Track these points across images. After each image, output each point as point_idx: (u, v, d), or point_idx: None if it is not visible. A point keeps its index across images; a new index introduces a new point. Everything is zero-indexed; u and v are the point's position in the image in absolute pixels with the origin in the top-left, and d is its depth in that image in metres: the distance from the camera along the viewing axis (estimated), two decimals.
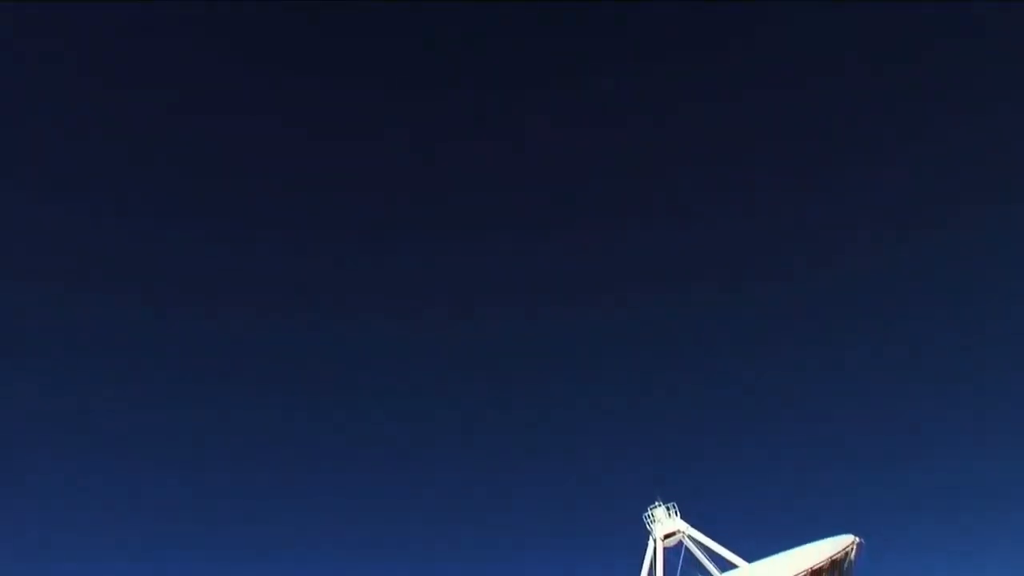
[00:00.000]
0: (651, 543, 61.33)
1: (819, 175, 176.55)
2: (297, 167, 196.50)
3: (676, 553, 60.83)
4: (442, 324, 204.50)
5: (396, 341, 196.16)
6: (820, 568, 52.81)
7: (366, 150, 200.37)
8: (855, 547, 54.59)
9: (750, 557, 60.62)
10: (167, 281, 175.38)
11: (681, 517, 61.83)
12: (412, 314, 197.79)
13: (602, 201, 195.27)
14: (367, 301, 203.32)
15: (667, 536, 61.09)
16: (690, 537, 60.28)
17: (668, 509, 62.43)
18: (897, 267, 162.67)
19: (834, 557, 53.65)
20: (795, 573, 52.16)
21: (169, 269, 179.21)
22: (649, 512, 62.82)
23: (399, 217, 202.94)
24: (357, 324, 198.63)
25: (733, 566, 59.72)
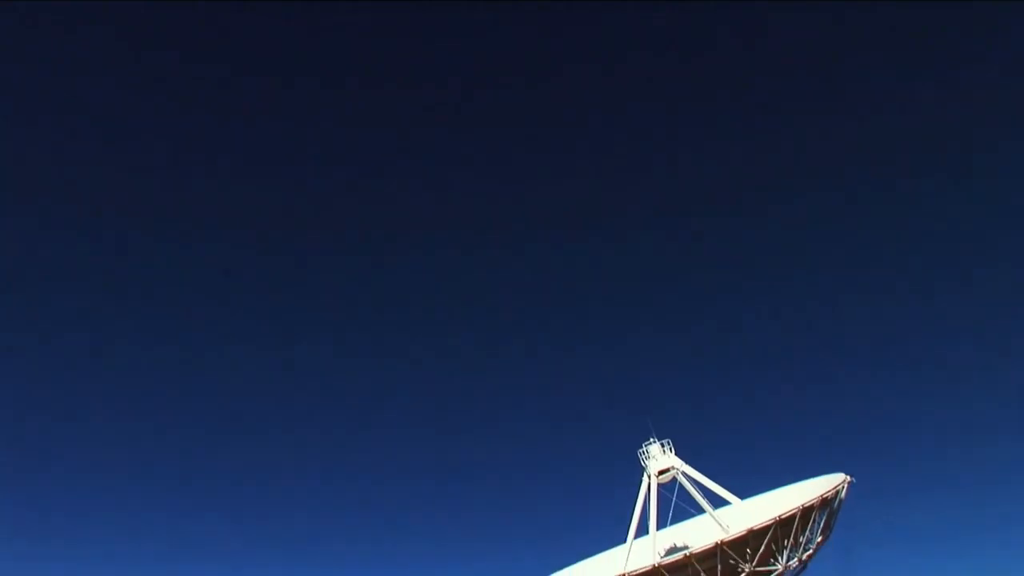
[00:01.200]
0: (645, 479, 62.08)
1: (817, 107, 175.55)
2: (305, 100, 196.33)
3: (670, 489, 61.78)
4: (451, 261, 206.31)
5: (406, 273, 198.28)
6: (811, 506, 53.89)
7: (377, 84, 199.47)
8: (846, 486, 55.70)
9: (743, 494, 61.81)
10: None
11: (676, 454, 62.52)
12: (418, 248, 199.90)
13: (594, 135, 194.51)
14: (368, 234, 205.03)
15: (661, 472, 61.80)
16: (684, 474, 61.08)
17: (663, 446, 63.03)
18: (894, 200, 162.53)
19: (825, 495, 54.75)
20: (787, 510, 53.20)
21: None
22: (644, 448, 63.48)
23: (409, 154, 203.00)
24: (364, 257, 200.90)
25: (726, 503, 60.82)
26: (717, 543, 52.41)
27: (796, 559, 54.52)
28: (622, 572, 55.25)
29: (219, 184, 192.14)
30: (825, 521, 55.84)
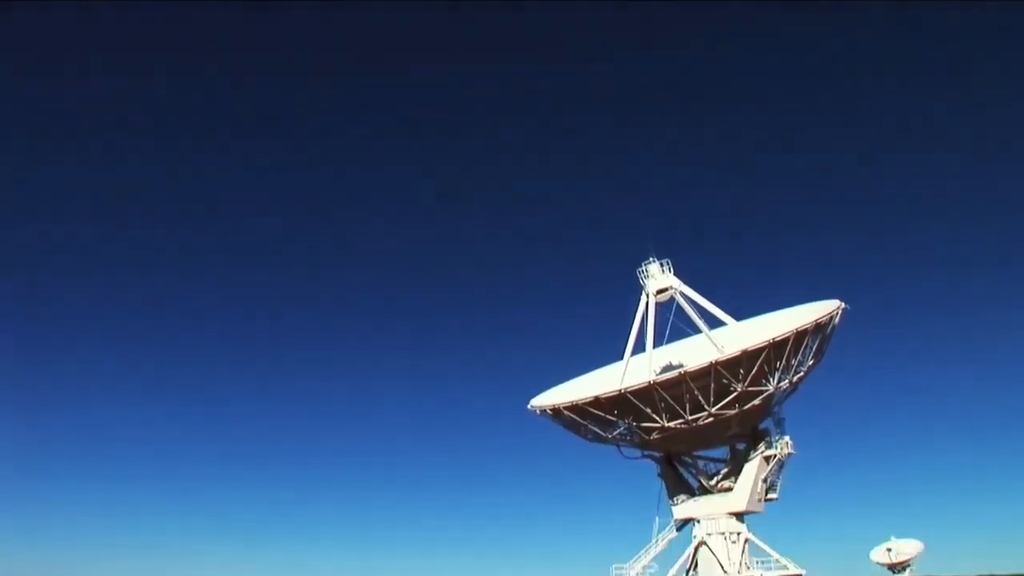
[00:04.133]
0: (644, 298, 63.10)
1: None
2: None
3: (668, 309, 62.92)
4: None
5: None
6: (805, 330, 55.37)
7: None
8: (840, 312, 56.85)
9: (739, 316, 63.18)
10: None
11: (674, 274, 63.21)
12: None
13: None
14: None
15: (660, 292, 62.81)
16: (682, 294, 62.01)
17: (662, 265, 63.67)
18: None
19: (819, 320, 56.12)
20: (781, 333, 54.74)
21: None
22: (643, 267, 64.11)
23: None
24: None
25: (722, 324, 62.25)
26: (711, 363, 54.45)
27: (787, 381, 56.71)
28: (619, 388, 57.52)
29: None
30: (818, 345, 57.53)
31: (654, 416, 57.59)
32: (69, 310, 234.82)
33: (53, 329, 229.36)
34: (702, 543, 61.79)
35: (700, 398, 55.71)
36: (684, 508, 63.50)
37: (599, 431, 62.53)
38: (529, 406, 65.44)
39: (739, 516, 61.29)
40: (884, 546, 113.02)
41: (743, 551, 60.50)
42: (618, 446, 64.75)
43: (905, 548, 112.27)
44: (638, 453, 66.23)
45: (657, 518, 64.34)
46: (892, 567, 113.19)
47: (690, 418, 56.92)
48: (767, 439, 62.60)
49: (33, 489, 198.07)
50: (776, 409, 62.44)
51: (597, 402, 58.45)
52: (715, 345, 58.12)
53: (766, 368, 55.27)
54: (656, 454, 66.11)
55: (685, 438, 61.31)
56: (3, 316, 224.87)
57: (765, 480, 62.64)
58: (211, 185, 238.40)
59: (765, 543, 61.05)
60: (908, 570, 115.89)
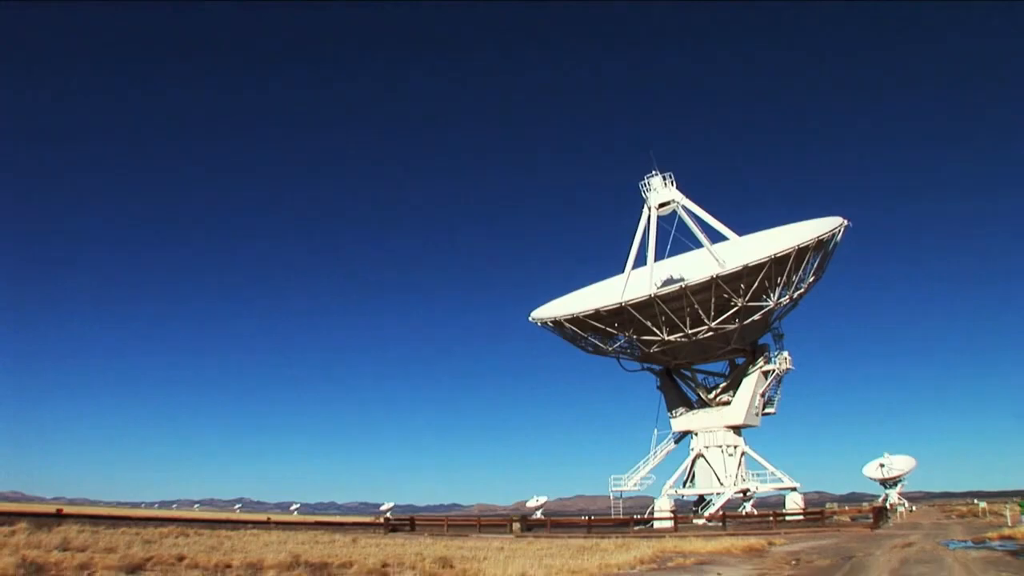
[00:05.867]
0: (645, 211, 62.55)
1: None
2: None
3: (669, 222, 62.54)
4: None
5: None
6: (806, 246, 55.12)
7: None
8: (842, 229, 56.40)
9: (741, 231, 62.81)
10: None
11: (677, 187, 62.52)
12: None
13: None
14: None
15: (662, 205, 62.26)
16: (684, 208, 61.49)
17: (664, 179, 62.88)
18: None
19: (821, 236, 55.80)
20: (782, 249, 54.52)
21: None
22: (645, 180, 63.35)
23: None
24: None
25: (724, 238, 61.91)
26: (712, 277, 54.47)
27: (787, 296, 56.74)
28: (619, 301, 57.64)
29: None
30: (819, 262, 57.31)
31: (654, 329, 57.92)
32: None
33: None
34: (699, 455, 62.91)
35: (700, 312, 55.93)
36: (682, 421, 64.48)
37: (599, 344, 62.98)
38: (530, 318, 65.69)
39: (736, 429, 62.26)
40: (877, 461, 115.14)
41: (740, 464, 61.62)
42: (618, 359, 65.35)
43: (898, 464, 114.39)
44: (638, 366, 66.85)
45: (656, 430, 65.39)
46: (884, 482, 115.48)
47: (690, 332, 57.27)
48: (766, 354, 63.13)
49: None
50: (776, 324, 62.79)
51: (598, 315, 58.71)
52: (716, 259, 57.94)
53: (767, 283, 55.32)
54: (656, 367, 66.75)
55: (685, 352, 61.81)
56: None
57: (763, 395, 63.45)
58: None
59: (761, 457, 62.13)
60: (900, 485, 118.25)
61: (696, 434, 63.47)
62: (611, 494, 65.06)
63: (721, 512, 57.05)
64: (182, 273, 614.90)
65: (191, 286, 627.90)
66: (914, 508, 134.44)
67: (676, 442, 65.43)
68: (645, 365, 66.68)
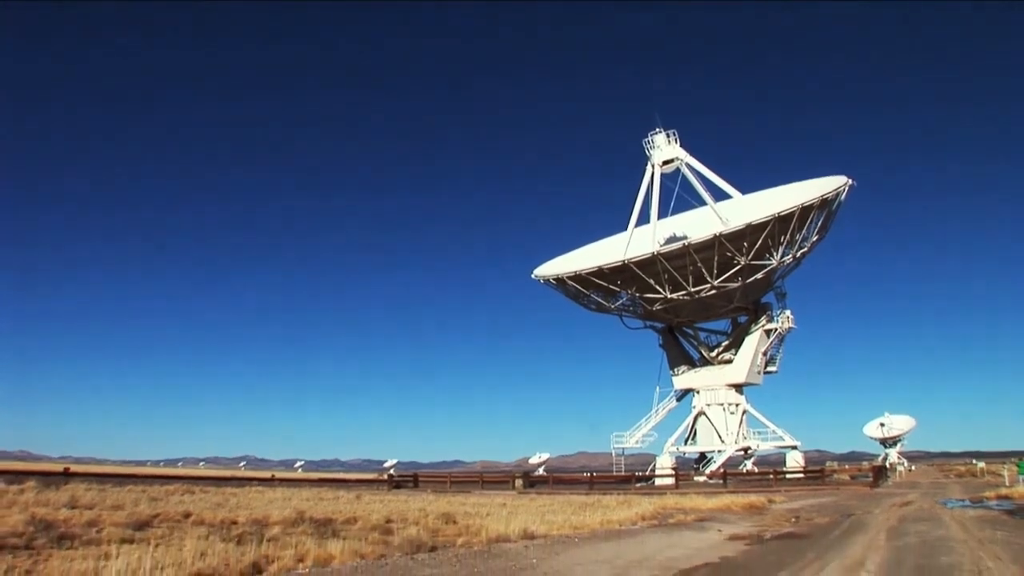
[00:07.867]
0: (649, 168, 62.03)
1: None
2: None
3: (673, 180, 62.11)
4: None
5: None
6: (810, 205, 54.82)
7: None
8: (846, 188, 56.02)
9: (745, 189, 62.48)
10: None
11: (680, 145, 61.98)
12: None
13: None
14: None
15: (665, 163, 61.71)
16: (688, 165, 61.03)
17: (668, 136, 62.25)
18: None
19: (825, 196, 55.47)
20: (786, 207, 54.22)
21: None
22: (649, 138, 62.71)
23: None
24: None
25: (728, 196, 61.61)
26: (715, 235, 54.29)
27: (791, 255, 56.53)
28: (622, 259, 57.54)
29: None
30: (823, 221, 57.01)
31: (657, 287, 57.87)
32: None
33: None
34: (701, 413, 63.24)
35: (703, 270, 55.83)
36: (684, 379, 64.70)
37: (602, 301, 62.99)
38: (533, 275, 65.62)
39: (738, 388, 62.49)
40: (878, 420, 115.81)
41: (741, 422, 61.96)
42: (621, 316, 65.39)
43: (898, 423, 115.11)
44: (640, 324, 66.93)
45: (658, 388, 65.65)
46: (884, 441, 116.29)
47: (693, 290, 57.24)
48: (768, 313, 63.16)
49: None
50: (779, 283, 62.71)
51: (601, 272, 58.65)
52: (720, 217, 57.65)
53: (770, 242, 55.07)
54: (658, 325, 66.82)
55: (687, 310, 61.81)
56: None
57: (765, 353, 63.57)
58: None
59: (763, 415, 62.43)
60: (899, 444, 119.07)
61: (698, 392, 63.73)
62: (613, 451, 65.50)
63: (722, 470, 57.50)
64: (186, 234, 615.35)
65: (195, 246, 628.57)
66: (913, 467, 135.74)
67: (678, 400, 65.74)
68: (647, 323, 66.75)
